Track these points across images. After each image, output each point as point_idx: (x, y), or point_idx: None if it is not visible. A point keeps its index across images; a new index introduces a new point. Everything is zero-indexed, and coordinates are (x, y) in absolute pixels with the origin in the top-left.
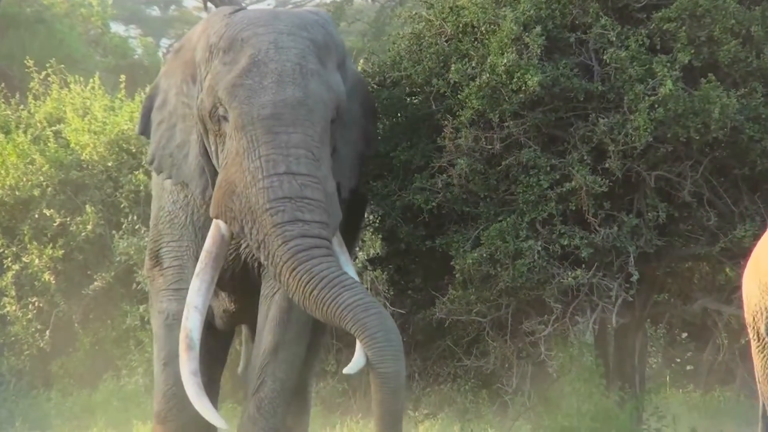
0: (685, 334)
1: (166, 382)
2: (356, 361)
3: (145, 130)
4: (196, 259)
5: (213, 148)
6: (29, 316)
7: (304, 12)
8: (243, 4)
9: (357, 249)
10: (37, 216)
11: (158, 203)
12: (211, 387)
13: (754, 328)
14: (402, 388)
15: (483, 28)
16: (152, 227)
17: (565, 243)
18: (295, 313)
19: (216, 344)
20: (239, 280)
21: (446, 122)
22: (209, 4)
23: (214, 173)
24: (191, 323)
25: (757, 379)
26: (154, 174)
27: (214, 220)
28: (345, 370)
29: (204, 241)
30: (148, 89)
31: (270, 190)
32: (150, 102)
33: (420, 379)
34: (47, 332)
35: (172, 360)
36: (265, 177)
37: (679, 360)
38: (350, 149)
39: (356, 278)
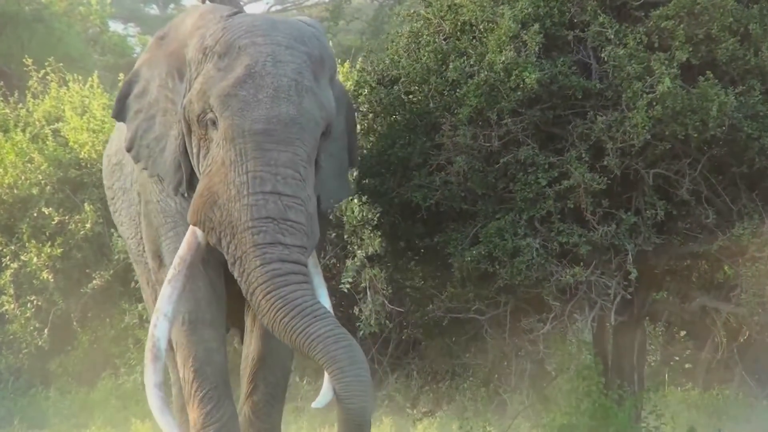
0: (683, 332)
1: (201, 387)
2: (324, 395)
3: (119, 114)
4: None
5: (195, 150)
6: (28, 314)
7: (300, 23)
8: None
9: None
10: (35, 214)
11: (145, 197)
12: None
13: None
14: (367, 425)
15: (481, 26)
16: (146, 226)
17: (564, 241)
18: None
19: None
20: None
21: (444, 120)
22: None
23: (191, 171)
24: (159, 332)
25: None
26: (136, 171)
27: (191, 227)
28: (313, 405)
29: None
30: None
31: (254, 208)
32: (128, 88)
33: (418, 377)
34: (46, 330)
35: (202, 364)
36: (250, 194)
37: (677, 358)
38: (333, 162)
39: (328, 306)
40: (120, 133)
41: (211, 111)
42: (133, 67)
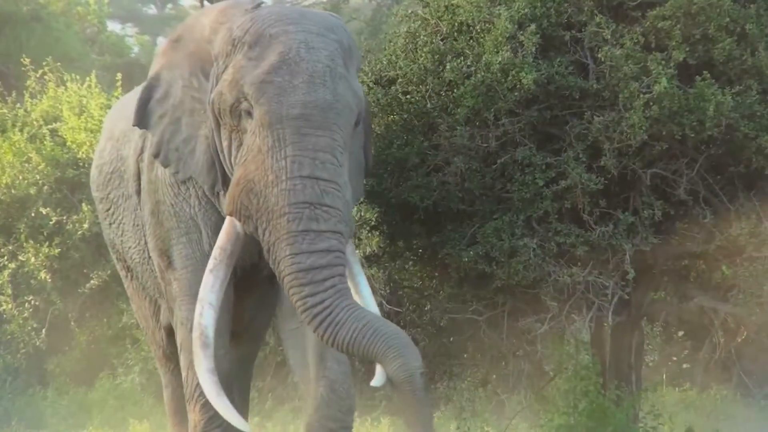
0: (681, 332)
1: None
2: (379, 373)
3: (141, 121)
4: (205, 252)
5: (226, 143)
6: (25, 314)
7: (326, 14)
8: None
9: None
10: (33, 214)
11: (154, 197)
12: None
13: None
14: (420, 374)
15: (478, 27)
16: (154, 224)
17: (561, 241)
18: None
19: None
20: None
21: (442, 120)
22: (206, 2)
23: (224, 169)
24: (206, 320)
25: None
26: (145, 168)
27: (228, 217)
28: (372, 383)
29: (210, 234)
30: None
31: (292, 192)
32: (149, 93)
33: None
34: (43, 330)
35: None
36: (288, 178)
37: (675, 358)
38: (353, 161)
39: (368, 293)
40: (112, 142)
41: (246, 100)
42: (150, 73)
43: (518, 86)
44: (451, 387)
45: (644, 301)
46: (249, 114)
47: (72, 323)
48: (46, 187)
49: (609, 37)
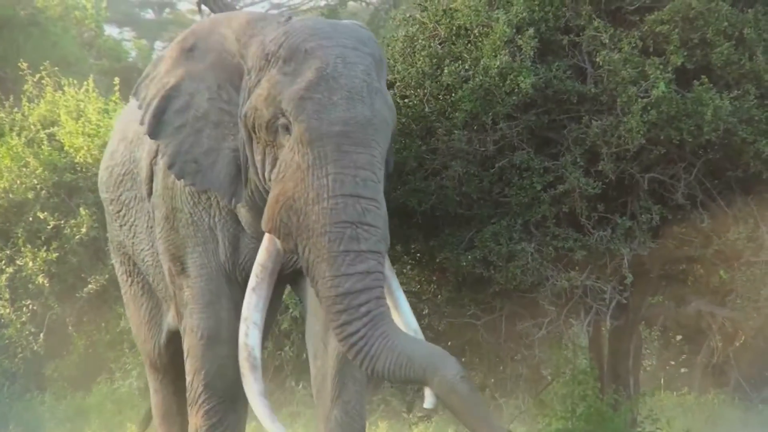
0: (679, 337)
1: (209, 400)
2: (429, 394)
3: (154, 131)
4: (221, 263)
5: (260, 158)
6: (23, 318)
7: (354, 25)
8: (237, 7)
9: None
10: (30, 219)
11: (170, 204)
12: None
13: None
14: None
15: (476, 31)
16: (167, 229)
17: (559, 245)
18: None
19: None
20: None
21: (440, 124)
22: (203, 7)
23: (249, 182)
24: (252, 340)
25: None
26: (160, 172)
27: (268, 234)
28: (425, 405)
29: (228, 244)
30: (156, 89)
31: (333, 211)
32: (165, 103)
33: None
34: (41, 335)
35: (213, 379)
36: (330, 197)
37: (673, 362)
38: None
39: (407, 307)
40: (125, 143)
41: (283, 116)
42: (164, 82)
43: (516, 90)
44: None
45: (642, 305)
46: (286, 130)
47: (70, 328)
48: (43, 192)
49: (607, 41)
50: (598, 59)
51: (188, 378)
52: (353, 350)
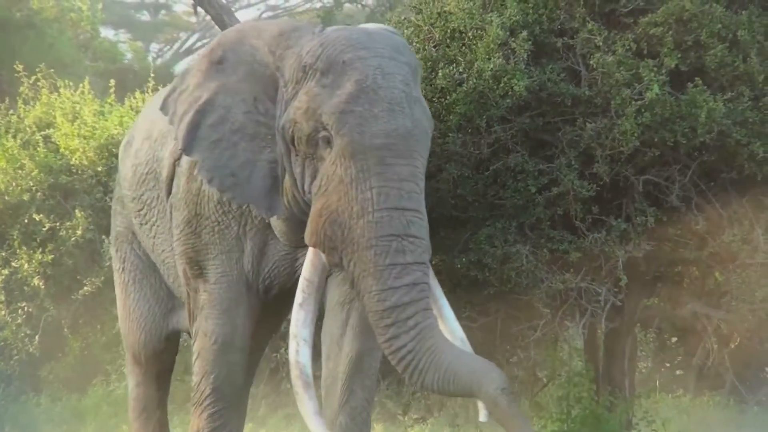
0: (674, 339)
1: (215, 403)
2: (482, 407)
3: (189, 147)
4: (243, 271)
5: (299, 170)
6: (18, 321)
7: (388, 32)
8: (233, 9)
9: None
10: (26, 221)
11: (193, 209)
12: None
13: None
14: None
15: (470, 34)
16: (187, 233)
17: (554, 247)
18: None
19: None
20: None
21: (434, 127)
22: (199, 9)
23: (287, 194)
24: (303, 358)
25: None
26: (181, 176)
27: (312, 248)
28: (481, 419)
29: (256, 253)
30: (188, 104)
31: (379, 225)
32: (200, 117)
33: (409, 383)
34: (36, 337)
35: (222, 383)
36: (375, 210)
37: (668, 364)
38: None
39: (451, 316)
40: (150, 142)
41: (324, 129)
42: (196, 96)
43: (510, 93)
44: None
45: (637, 307)
46: (327, 143)
47: (65, 330)
48: (39, 194)
49: (601, 43)
50: (592, 62)
51: (195, 379)
52: (402, 364)
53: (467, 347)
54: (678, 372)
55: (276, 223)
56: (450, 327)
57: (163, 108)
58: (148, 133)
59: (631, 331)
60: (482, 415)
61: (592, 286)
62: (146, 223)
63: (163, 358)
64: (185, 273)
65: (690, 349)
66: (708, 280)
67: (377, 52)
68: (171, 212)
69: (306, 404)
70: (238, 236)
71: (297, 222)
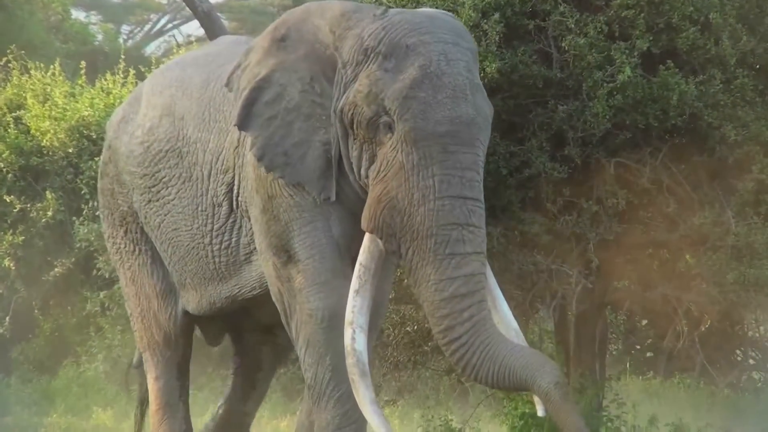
0: (644, 322)
1: (339, 386)
2: (539, 402)
3: (244, 122)
4: (332, 238)
5: (356, 154)
6: None
7: (448, 16)
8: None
9: None
10: None
11: (264, 194)
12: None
13: None
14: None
15: None
16: (266, 221)
17: (525, 229)
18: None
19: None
20: None
21: None
22: None
23: (340, 177)
24: (359, 345)
25: None
26: (247, 166)
27: (369, 234)
28: (539, 414)
29: (339, 222)
30: (248, 80)
31: (440, 213)
32: (256, 94)
33: (380, 366)
34: (7, 318)
35: (341, 361)
36: (437, 198)
37: (639, 347)
38: None
39: (505, 307)
40: (171, 119)
41: (386, 114)
42: (255, 72)
43: (482, 75)
44: (414, 376)
45: (607, 289)
46: (389, 128)
47: (36, 311)
48: (10, 175)
49: (573, 26)
50: (563, 44)
51: (310, 371)
52: (455, 356)
53: (521, 339)
54: (648, 354)
55: (331, 207)
56: (504, 319)
57: (228, 84)
58: (168, 110)
59: (601, 313)
60: (539, 410)
61: (563, 268)
62: (158, 200)
63: (182, 342)
64: (275, 266)
65: (660, 331)
66: (679, 262)
67: (441, 37)
68: (246, 209)
69: (362, 393)
70: (316, 204)
71: (351, 206)
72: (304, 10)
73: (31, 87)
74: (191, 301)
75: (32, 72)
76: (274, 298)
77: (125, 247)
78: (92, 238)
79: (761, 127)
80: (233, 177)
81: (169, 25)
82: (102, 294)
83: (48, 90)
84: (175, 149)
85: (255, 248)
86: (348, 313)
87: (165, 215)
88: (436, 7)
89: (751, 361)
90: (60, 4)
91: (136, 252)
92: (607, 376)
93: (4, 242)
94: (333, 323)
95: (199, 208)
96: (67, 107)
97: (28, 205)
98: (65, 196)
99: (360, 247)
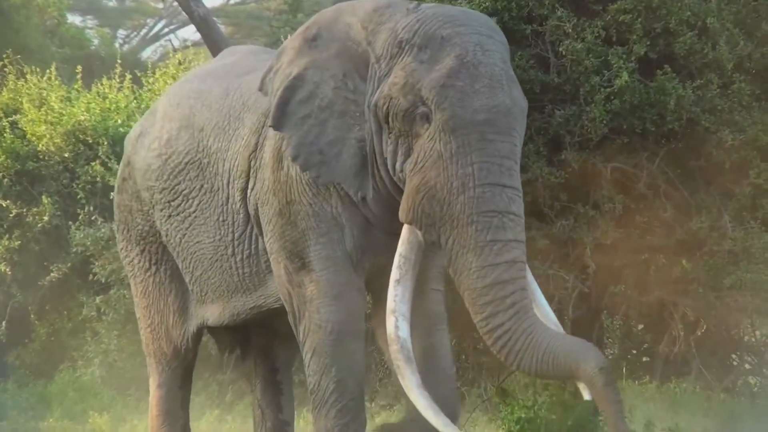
0: (641, 326)
1: (341, 398)
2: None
3: (278, 122)
4: (346, 252)
5: (391, 148)
6: None
7: (480, 13)
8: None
9: None
10: None
11: (283, 198)
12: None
13: None
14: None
15: None
16: (281, 225)
17: None
18: None
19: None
20: None
21: None
22: None
23: (375, 174)
24: (403, 332)
25: None
26: (267, 167)
27: (407, 225)
28: (586, 398)
29: (356, 233)
30: (280, 80)
31: (481, 200)
32: (290, 93)
33: (377, 370)
34: (3, 323)
35: (345, 375)
36: (477, 185)
37: (635, 351)
38: None
39: (541, 298)
40: (191, 131)
41: (423, 104)
42: (287, 73)
43: None
44: None
45: (604, 294)
46: (426, 119)
47: (32, 316)
48: (6, 180)
49: (570, 30)
50: (561, 49)
51: (314, 378)
52: (498, 344)
53: (561, 331)
54: (644, 359)
55: (367, 205)
56: (543, 312)
57: (262, 87)
58: (186, 121)
59: (597, 318)
60: (585, 395)
61: (560, 273)
62: (178, 215)
63: (190, 355)
64: (286, 269)
65: (657, 336)
66: (675, 267)
67: (475, 29)
68: (258, 208)
69: (409, 378)
70: (333, 216)
71: (387, 203)
72: (336, 10)
73: (27, 91)
74: (212, 314)
75: (28, 76)
76: (282, 298)
77: (140, 263)
78: (88, 243)
79: (758, 132)
80: (246, 181)
81: (166, 30)
82: (98, 299)
83: (44, 94)
84: (195, 161)
85: None
86: (390, 302)
87: (186, 229)
88: None
89: (747, 366)
90: (56, 8)
91: (152, 270)
92: None
93: (0, 247)
94: (341, 336)
95: (221, 218)
96: (63, 112)
97: (24, 210)
98: (61, 200)
99: (371, 259)
